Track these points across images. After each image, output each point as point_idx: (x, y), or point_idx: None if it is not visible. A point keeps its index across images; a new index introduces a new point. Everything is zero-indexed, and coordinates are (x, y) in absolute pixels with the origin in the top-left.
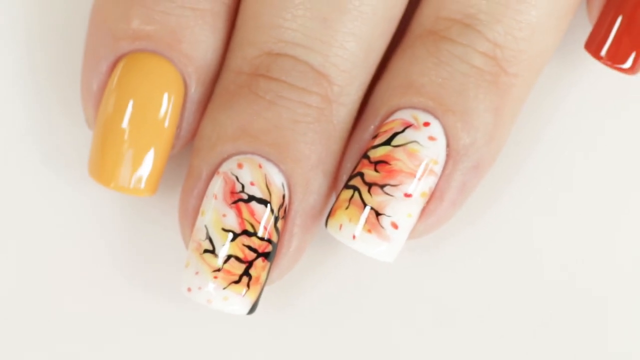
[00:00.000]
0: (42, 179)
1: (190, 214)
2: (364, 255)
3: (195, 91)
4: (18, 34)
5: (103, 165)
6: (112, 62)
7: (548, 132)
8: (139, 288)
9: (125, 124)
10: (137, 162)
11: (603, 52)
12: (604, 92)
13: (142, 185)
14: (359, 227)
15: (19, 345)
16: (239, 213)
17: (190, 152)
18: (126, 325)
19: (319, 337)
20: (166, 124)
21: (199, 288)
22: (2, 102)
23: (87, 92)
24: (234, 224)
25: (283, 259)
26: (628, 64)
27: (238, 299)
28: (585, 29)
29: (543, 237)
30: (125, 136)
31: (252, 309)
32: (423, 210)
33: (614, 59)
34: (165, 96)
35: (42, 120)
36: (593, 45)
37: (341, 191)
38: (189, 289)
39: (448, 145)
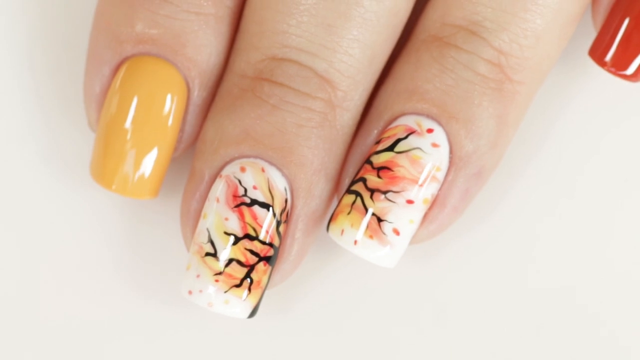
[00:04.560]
0: (43, 182)
1: (192, 217)
2: (365, 260)
3: (198, 95)
4: (19, 35)
5: (105, 167)
6: (115, 65)
7: (549, 139)
8: (139, 291)
9: (127, 126)
10: (139, 165)
11: (607, 59)
12: (607, 99)
13: (144, 188)
14: (360, 233)
15: (16, 347)
16: (242, 217)
17: (192, 155)
18: (125, 328)
19: (319, 342)
20: (168, 127)
21: (200, 291)
22: (2, 104)
23: (89, 94)
24: (236, 228)
25: (285, 263)
26: (631, 71)
27: (239, 303)
28: (588, 37)
29: (543, 243)
30: (128, 139)
31: (253, 313)
32: (425, 216)
33: (618, 66)
34: (168, 99)
35: (43, 123)
36: (597, 52)
37: (343, 196)
38: (190, 292)
39: (451, 152)
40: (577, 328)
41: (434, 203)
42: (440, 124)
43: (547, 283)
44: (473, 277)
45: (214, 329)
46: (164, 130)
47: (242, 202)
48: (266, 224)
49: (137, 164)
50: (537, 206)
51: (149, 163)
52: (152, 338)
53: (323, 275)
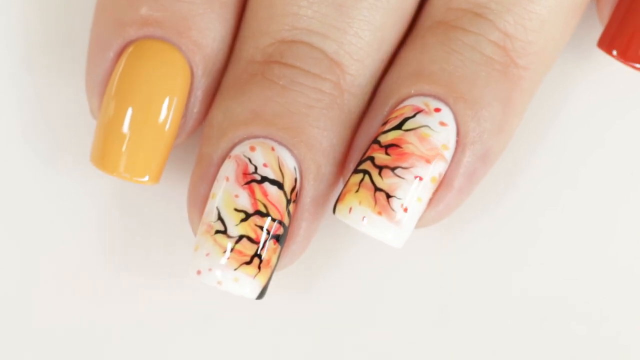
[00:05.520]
0: (43, 182)
1: (200, 200)
2: (372, 238)
3: (202, 80)
4: (18, 35)
5: (107, 153)
6: (118, 49)
7: (553, 131)
8: (140, 290)
9: (129, 112)
10: (140, 151)
11: (616, 49)
12: (612, 90)
13: (146, 174)
14: (369, 209)
15: (16, 347)
16: (252, 193)
17: (193, 143)
18: (126, 327)
19: (324, 331)
20: (171, 113)
21: (210, 269)
22: (2, 104)
23: (92, 80)
24: (247, 204)
25: (293, 244)
26: None
27: (248, 281)
28: (593, 27)
29: (546, 235)
30: (130, 124)
31: (262, 294)
32: (432, 197)
33: (627, 56)
34: (172, 84)
35: (43, 123)
36: (606, 43)
37: (350, 176)
38: (199, 272)
39: (458, 134)
40: (579, 320)
41: (441, 184)
42: (447, 104)
43: (549, 276)
44: (475, 268)
45: (222, 316)
46: (166, 117)
47: (253, 179)
48: (277, 201)
49: (139, 150)
50: (540, 198)
51: (151, 149)
52: (153, 337)
53: (329, 265)
